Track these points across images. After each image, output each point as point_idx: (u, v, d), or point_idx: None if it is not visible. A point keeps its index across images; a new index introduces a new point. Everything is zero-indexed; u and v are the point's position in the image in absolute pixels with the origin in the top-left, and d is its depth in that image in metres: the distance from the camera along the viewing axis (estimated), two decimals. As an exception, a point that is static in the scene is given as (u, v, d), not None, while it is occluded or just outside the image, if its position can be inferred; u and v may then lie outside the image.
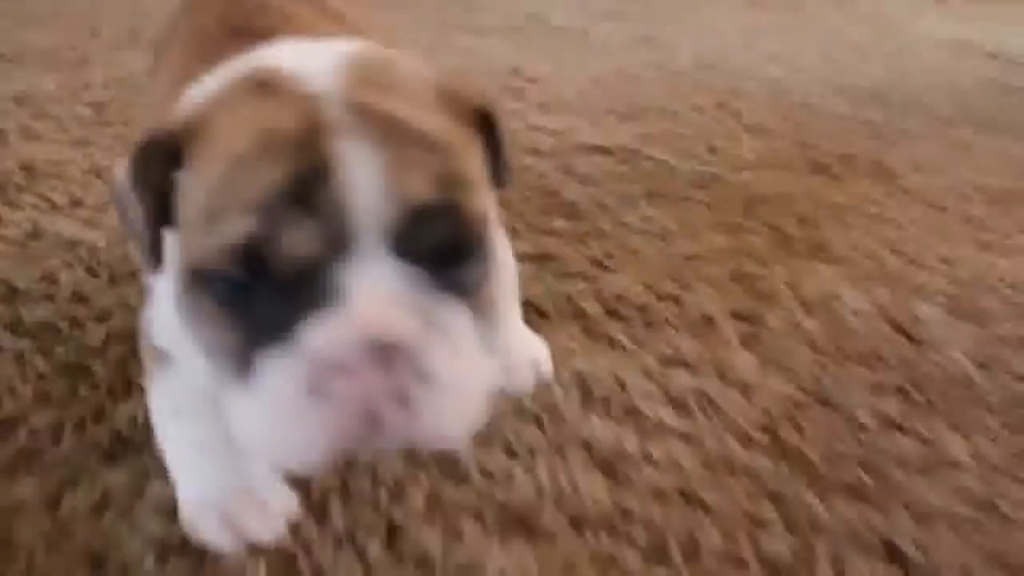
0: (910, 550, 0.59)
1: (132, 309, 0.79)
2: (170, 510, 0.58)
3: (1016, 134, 1.46)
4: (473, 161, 0.43)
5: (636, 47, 1.86)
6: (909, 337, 0.84)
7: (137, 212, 0.43)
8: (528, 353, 0.71)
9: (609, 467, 0.65)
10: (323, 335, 0.37)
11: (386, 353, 0.37)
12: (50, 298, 0.82)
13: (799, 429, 0.71)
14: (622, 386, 0.73)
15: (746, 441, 0.69)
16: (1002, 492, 0.65)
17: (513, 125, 1.17)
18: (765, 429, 0.70)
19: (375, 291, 0.37)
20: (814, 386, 0.76)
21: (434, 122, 0.41)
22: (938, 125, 1.48)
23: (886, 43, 2.08)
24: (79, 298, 0.82)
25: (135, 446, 0.64)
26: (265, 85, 0.41)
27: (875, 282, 0.93)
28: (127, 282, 0.84)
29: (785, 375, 0.77)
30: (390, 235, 0.38)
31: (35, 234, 0.93)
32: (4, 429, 0.65)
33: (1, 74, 1.40)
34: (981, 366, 0.80)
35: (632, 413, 0.71)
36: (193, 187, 0.41)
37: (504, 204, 0.68)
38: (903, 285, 0.93)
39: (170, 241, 0.44)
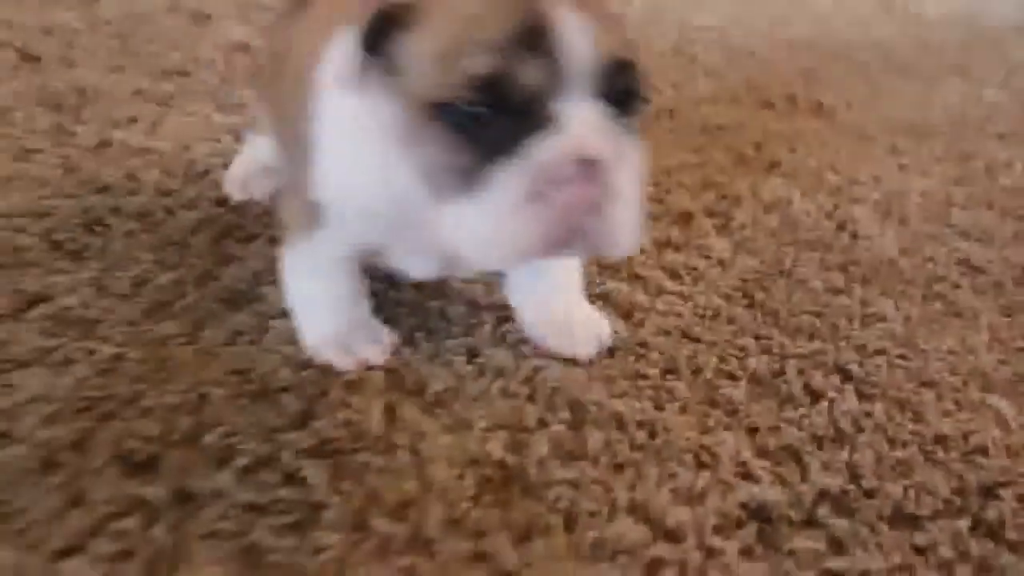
0: (857, 372, 0.79)
1: (211, 200, 0.94)
2: (293, 340, 0.74)
3: (929, 80, 1.69)
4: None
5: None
6: (848, 232, 1.04)
7: (362, 67, 0.55)
8: (593, 325, 0.77)
9: (627, 313, 0.84)
10: (547, 151, 0.49)
11: (592, 168, 0.49)
12: (135, 192, 0.95)
13: (767, 291, 0.90)
14: (628, 260, 0.91)
15: (727, 299, 0.88)
16: (918, 336, 0.85)
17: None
18: (742, 292, 0.89)
19: (585, 120, 0.50)
20: (776, 264, 0.95)
21: (612, 12, 0.55)
22: (864, 71, 1.70)
23: (820, 1, 2.30)
24: (162, 192, 0.96)
25: (249, 297, 0.80)
26: None
27: (819, 192, 1.13)
28: (200, 180, 0.98)
29: (753, 255, 0.96)
30: (593, 79, 0.50)
31: (104, 143, 1.05)
32: (135, 285, 0.80)
33: (19, 5, 1.48)
34: (903, 252, 1.01)
35: (638, 278, 0.89)
36: (424, 41, 0.53)
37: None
38: (842, 194, 1.14)
39: (371, 99, 0.56)
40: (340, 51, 0.60)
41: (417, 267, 0.70)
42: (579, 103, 0.50)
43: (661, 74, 1.50)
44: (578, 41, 0.49)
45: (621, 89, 0.52)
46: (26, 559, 0.53)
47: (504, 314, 0.80)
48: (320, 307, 0.72)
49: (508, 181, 0.50)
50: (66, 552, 0.53)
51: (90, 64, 1.28)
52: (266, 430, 0.64)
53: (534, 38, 0.49)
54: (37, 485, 0.58)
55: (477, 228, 0.52)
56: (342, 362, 0.71)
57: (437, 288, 0.82)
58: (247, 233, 0.89)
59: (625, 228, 0.53)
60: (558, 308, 0.75)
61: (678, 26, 1.85)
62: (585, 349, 0.75)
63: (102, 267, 0.81)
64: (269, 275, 0.81)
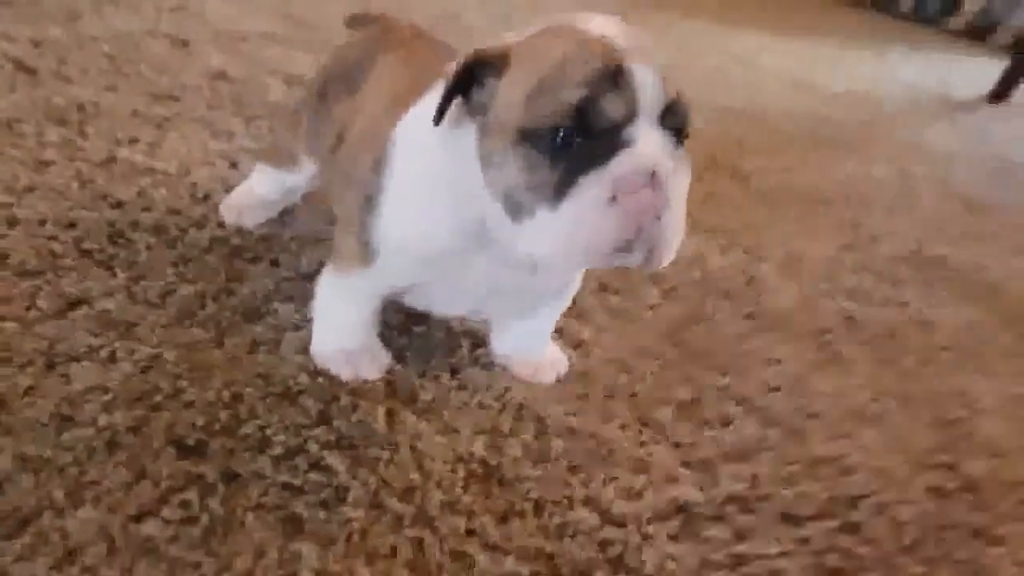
0: (759, 403, 0.98)
1: (216, 222, 1.07)
2: (305, 351, 0.88)
3: (830, 153, 1.94)
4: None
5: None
6: (755, 286, 1.24)
7: (440, 102, 0.66)
8: (555, 359, 0.95)
9: (576, 344, 1.01)
10: (625, 164, 0.60)
11: (657, 180, 0.60)
12: (148, 209, 1.07)
13: (690, 333, 1.08)
14: (575, 302, 1.08)
15: (657, 338, 1.06)
16: (807, 377, 1.05)
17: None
18: (669, 333, 1.08)
19: (651, 143, 0.61)
20: (697, 311, 1.14)
21: (668, 64, 0.65)
22: (777, 140, 1.93)
23: (739, 75, 2.55)
24: (172, 211, 1.08)
25: (263, 311, 0.93)
26: (561, 29, 0.64)
27: (733, 249, 1.34)
28: (204, 202, 1.11)
29: (678, 303, 1.15)
30: (657, 114, 0.62)
31: (111, 159, 1.16)
32: (162, 295, 0.92)
33: (7, 18, 1.56)
34: (799, 306, 1.22)
35: (585, 317, 1.07)
36: (518, 79, 0.63)
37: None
38: (751, 253, 1.34)
39: (459, 132, 0.69)
40: (420, 112, 0.74)
41: (445, 306, 0.86)
42: (648, 130, 0.61)
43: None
44: (650, 83, 0.61)
45: (676, 122, 0.64)
46: (107, 519, 0.66)
47: (477, 340, 0.96)
48: (341, 327, 0.86)
49: (591, 188, 0.60)
50: (139, 517, 0.66)
51: (84, 81, 1.38)
52: (294, 425, 0.78)
53: (615, 78, 0.60)
54: (105, 463, 0.70)
55: (560, 232, 0.62)
56: (344, 374, 0.86)
57: (421, 316, 0.97)
58: (253, 255, 1.03)
59: (675, 234, 0.63)
60: (530, 344, 0.92)
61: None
62: (548, 377, 0.92)
63: (130, 276, 0.93)
64: (278, 294, 0.95)
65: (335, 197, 0.92)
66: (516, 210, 0.65)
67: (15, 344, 0.80)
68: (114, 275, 0.93)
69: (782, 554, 0.77)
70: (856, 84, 2.76)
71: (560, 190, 0.61)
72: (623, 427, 0.89)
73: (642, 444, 0.87)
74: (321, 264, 0.90)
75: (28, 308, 0.85)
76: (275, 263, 1.02)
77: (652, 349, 1.03)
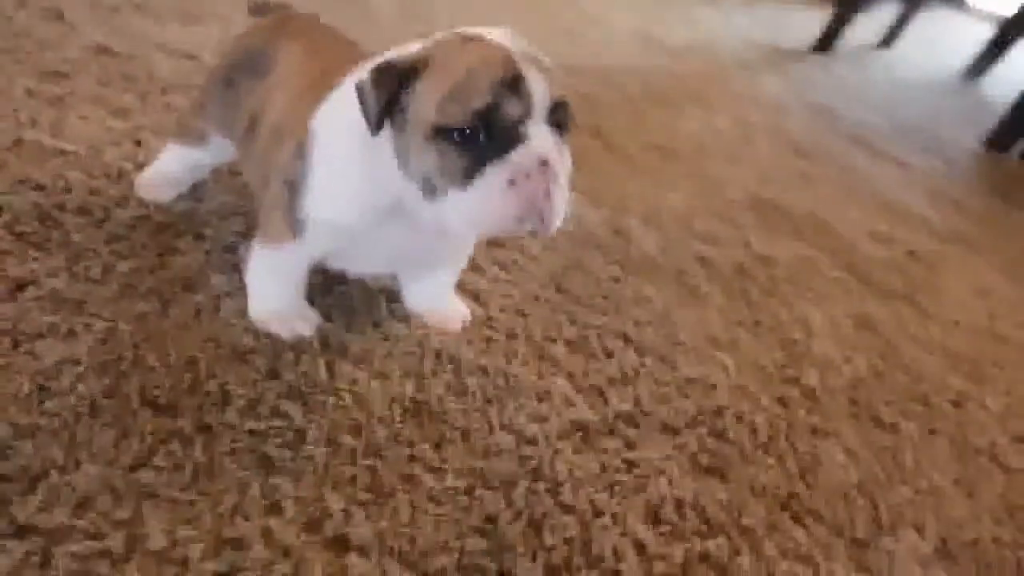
0: (634, 336, 1.17)
1: (137, 201, 1.15)
2: (244, 315, 0.99)
3: (675, 107, 2.15)
4: None
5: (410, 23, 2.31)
6: (622, 236, 1.43)
7: (372, 104, 0.77)
8: (457, 306, 1.10)
9: (475, 296, 1.16)
10: (522, 156, 0.73)
11: (547, 167, 0.73)
12: (68, 191, 1.14)
13: (569, 280, 1.26)
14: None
15: (542, 286, 1.23)
16: (672, 312, 1.25)
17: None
18: (552, 281, 1.25)
19: (542, 137, 0.74)
20: (574, 260, 1.32)
21: (553, 68, 0.78)
22: (627, 97, 2.12)
23: (591, 33, 2.72)
24: (92, 191, 1.15)
25: (198, 282, 1.04)
26: (467, 40, 0.77)
27: (601, 204, 1.52)
28: (120, 181, 1.19)
29: (557, 253, 1.32)
30: (546, 112, 0.75)
31: (19, 142, 1.21)
32: (103, 272, 1.01)
33: None
34: (660, 252, 1.41)
35: (479, 270, 1.22)
36: (432, 84, 0.75)
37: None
38: (616, 206, 1.53)
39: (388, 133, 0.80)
40: (336, 105, 0.87)
41: (362, 267, 1.00)
42: (539, 127, 0.75)
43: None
44: (540, 88, 0.75)
45: (560, 118, 0.78)
46: (107, 471, 0.77)
47: (391, 296, 1.10)
48: (274, 293, 0.98)
49: (495, 175, 0.74)
50: (134, 468, 0.78)
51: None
52: (249, 381, 0.90)
53: (514, 85, 0.74)
54: (92, 425, 0.81)
55: (470, 209, 0.76)
56: (284, 333, 0.98)
57: (340, 277, 1.09)
58: (176, 230, 1.12)
59: (561, 208, 0.77)
60: (437, 297, 1.07)
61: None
62: (455, 326, 1.07)
63: (67, 256, 1.01)
64: (208, 265, 1.05)
65: (254, 177, 1.02)
66: (431, 191, 0.79)
67: None
68: (52, 255, 1.01)
69: (665, 457, 0.96)
70: (697, 38, 2.99)
71: (468, 175, 0.75)
72: (525, 363, 1.05)
73: (542, 376, 1.03)
74: (240, 235, 1.01)
75: (-21, 292, 0.92)
76: (199, 236, 1.12)
77: (540, 295, 1.19)
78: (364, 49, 1.03)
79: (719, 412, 1.06)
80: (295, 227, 0.90)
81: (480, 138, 0.75)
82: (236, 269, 1.06)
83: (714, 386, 1.10)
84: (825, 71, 3.03)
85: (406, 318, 1.07)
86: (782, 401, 1.12)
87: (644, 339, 1.17)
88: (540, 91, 0.75)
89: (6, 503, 0.71)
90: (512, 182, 0.74)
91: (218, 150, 1.14)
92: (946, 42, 4.43)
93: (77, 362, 0.87)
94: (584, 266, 1.30)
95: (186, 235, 1.11)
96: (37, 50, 1.49)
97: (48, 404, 0.81)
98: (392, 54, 0.82)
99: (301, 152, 0.88)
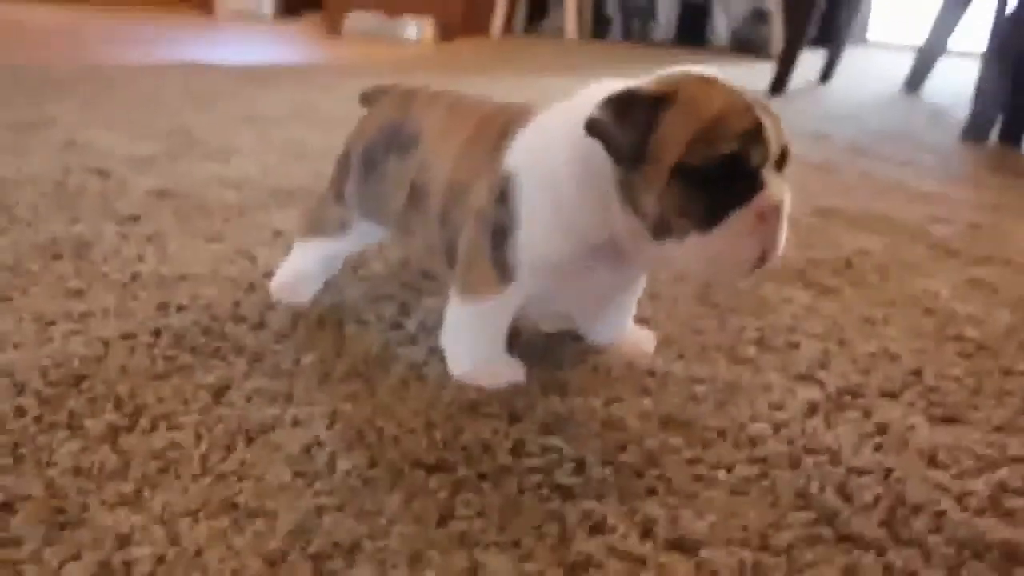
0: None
1: (283, 303, 1.12)
2: (448, 378, 0.96)
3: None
4: None
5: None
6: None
7: (621, 136, 0.75)
8: (643, 332, 1.07)
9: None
10: (763, 201, 0.74)
11: (781, 210, 0.75)
12: (211, 306, 1.10)
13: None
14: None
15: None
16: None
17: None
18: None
19: (776, 183, 0.75)
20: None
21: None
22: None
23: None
24: (235, 303, 1.11)
25: (389, 360, 1.00)
26: (708, 81, 0.77)
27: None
28: (254, 291, 1.15)
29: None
30: (778, 159, 0.77)
31: (136, 276, 1.18)
32: (293, 366, 0.97)
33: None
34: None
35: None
36: (678, 124, 0.74)
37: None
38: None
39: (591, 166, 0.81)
40: (533, 144, 0.87)
41: (559, 307, 0.99)
42: (772, 172, 0.77)
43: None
44: (775, 137, 0.76)
45: (783, 162, 0.80)
46: (419, 529, 0.71)
47: (573, 336, 1.07)
48: (479, 346, 0.94)
49: (740, 220, 0.75)
50: (441, 522, 0.72)
51: (49, 218, 1.36)
52: (498, 428, 0.86)
53: (758, 133, 0.75)
54: (374, 495, 0.75)
55: (712, 253, 0.76)
56: (495, 383, 0.93)
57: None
58: (337, 320, 1.08)
59: (780, 252, 0.80)
60: (620, 328, 1.06)
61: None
62: (647, 350, 1.06)
63: (249, 359, 0.97)
64: (389, 343, 1.02)
65: (429, 242, 1.00)
66: (664, 231, 0.78)
67: (221, 426, 0.83)
68: (233, 362, 0.96)
69: (905, 416, 0.93)
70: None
71: (710, 219, 0.75)
72: (728, 366, 1.03)
73: (754, 373, 1.01)
74: (402, 314, 1.03)
75: (185, 402, 0.87)
76: (361, 322, 1.08)
77: (693, 311, 1.18)
78: (495, 100, 1.05)
79: (918, 373, 1.05)
80: (506, 272, 0.89)
81: (724, 182, 0.75)
82: (415, 342, 1.03)
83: (896, 356, 1.09)
84: (792, 106, 3.18)
85: (597, 350, 1.04)
86: (962, 354, 1.11)
87: (812, 329, 1.15)
88: (775, 139, 0.77)
89: (333, 573, 0.65)
90: (755, 227, 0.75)
91: (360, 236, 1.12)
92: (870, 70, 4.70)
93: (321, 444, 0.82)
94: (714, 282, 1.29)
95: (348, 323, 1.08)
96: (102, 202, 1.47)
97: (317, 485, 0.76)
98: (596, 90, 0.83)
99: (503, 196, 0.88)
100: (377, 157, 1.06)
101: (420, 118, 1.03)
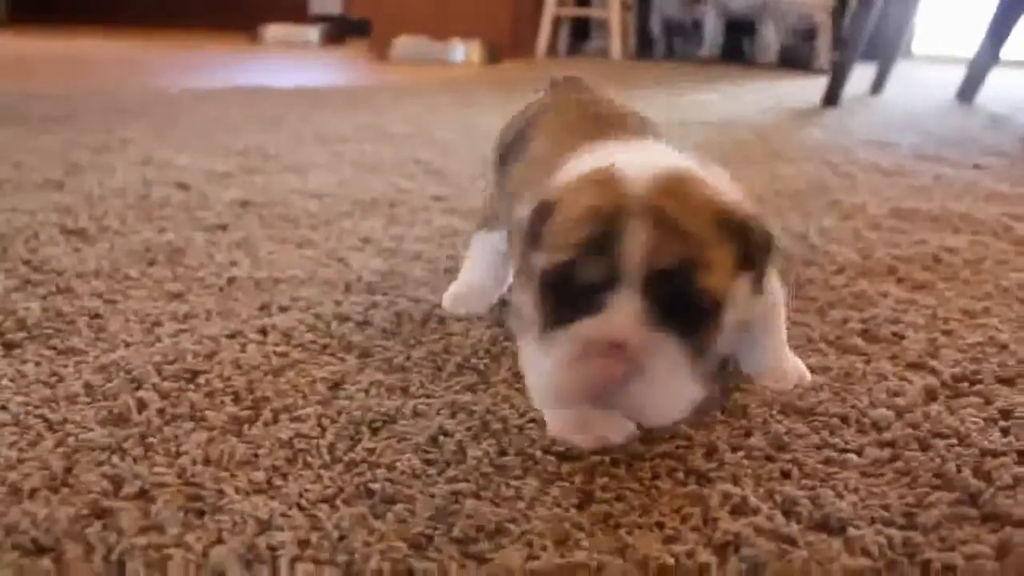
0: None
1: (387, 301, 1.12)
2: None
3: (767, 165, 2.18)
4: (718, 255, 0.65)
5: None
6: (822, 250, 1.41)
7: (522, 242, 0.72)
8: (792, 365, 0.92)
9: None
10: (588, 328, 0.63)
11: (622, 349, 0.61)
12: (312, 307, 1.11)
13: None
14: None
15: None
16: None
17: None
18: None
19: (624, 313, 0.62)
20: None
21: (693, 224, 0.64)
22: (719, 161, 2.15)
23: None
24: (336, 302, 1.12)
25: (499, 353, 0.99)
26: (598, 181, 0.68)
27: (792, 240, 1.51)
28: (349, 291, 1.15)
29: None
30: (643, 281, 0.62)
31: (233, 280, 1.19)
32: (405, 360, 0.96)
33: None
34: (865, 256, 1.39)
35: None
36: (551, 232, 0.68)
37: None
38: (803, 231, 1.52)
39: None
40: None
41: None
42: (628, 298, 0.63)
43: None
44: (636, 250, 0.62)
45: (666, 295, 0.63)
46: (560, 513, 0.70)
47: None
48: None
49: (561, 344, 0.65)
50: (582, 505, 0.71)
51: (147, 228, 1.38)
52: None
53: (601, 243, 0.63)
54: (507, 481, 0.74)
55: (540, 371, 0.69)
56: (584, 442, 0.76)
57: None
58: (440, 318, 1.08)
59: (660, 401, 0.66)
60: (773, 358, 0.94)
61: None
62: (789, 383, 0.92)
63: (359, 354, 0.97)
64: (498, 336, 1.01)
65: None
66: (521, 326, 0.75)
67: (344, 417, 0.83)
68: (344, 357, 0.97)
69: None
70: (721, 113, 3.09)
71: (544, 329, 0.68)
72: (839, 358, 1.01)
73: (867, 363, 0.99)
74: (504, 315, 0.96)
75: (304, 395, 0.87)
76: (465, 320, 1.08)
77: (791, 306, 1.15)
78: (628, 117, 0.99)
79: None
80: (519, 329, 0.81)
81: (562, 295, 0.66)
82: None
83: (1005, 345, 1.06)
84: (850, 117, 3.14)
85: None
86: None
87: (915, 321, 1.13)
88: (637, 255, 0.62)
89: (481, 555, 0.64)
90: (577, 357, 0.63)
91: None
92: (919, 82, 4.66)
93: (448, 434, 0.81)
94: (810, 279, 1.28)
95: (451, 321, 1.07)
96: (185, 212, 1.49)
97: (449, 472, 0.75)
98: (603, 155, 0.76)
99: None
100: (507, 156, 1.04)
101: (535, 126, 1.01)
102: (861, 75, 4.04)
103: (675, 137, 2.49)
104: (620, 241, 0.63)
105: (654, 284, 0.63)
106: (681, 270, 0.64)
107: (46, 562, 0.63)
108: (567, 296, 0.65)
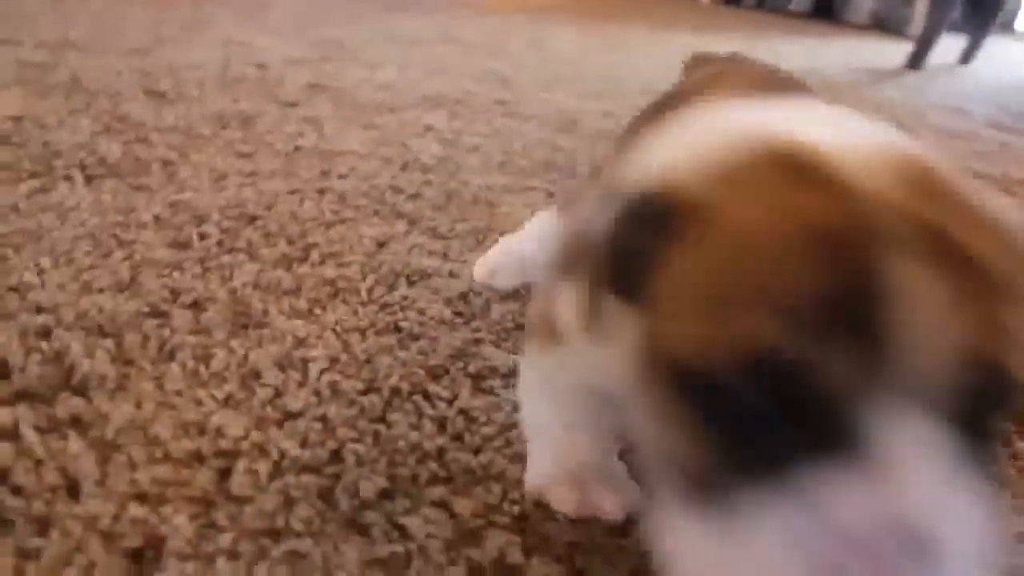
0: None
1: (440, 180, 1.17)
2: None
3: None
4: None
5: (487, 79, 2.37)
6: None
7: (591, 262, 0.38)
8: None
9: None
10: (847, 500, 0.28)
11: (919, 548, 0.27)
12: (371, 177, 1.17)
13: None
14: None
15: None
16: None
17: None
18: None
19: (921, 460, 0.28)
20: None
21: (996, 260, 0.31)
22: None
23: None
24: (393, 176, 1.18)
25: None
26: (792, 166, 0.33)
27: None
28: (407, 169, 1.21)
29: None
30: (939, 386, 0.29)
31: (299, 149, 1.25)
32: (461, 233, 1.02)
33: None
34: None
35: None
36: (689, 264, 0.33)
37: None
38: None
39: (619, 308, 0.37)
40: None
41: None
42: (910, 424, 0.29)
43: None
44: (925, 325, 0.29)
45: (977, 402, 0.30)
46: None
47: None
48: (553, 429, 0.58)
49: (772, 523, 0.30)
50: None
51: (222, 97, 1.45)
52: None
53: (850, 307, 0.29)
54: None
55: (709, 565, 0.32)
56: (564, 504, 0.56)
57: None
58: (488, 199, 1.13)
59: None
60: None
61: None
62: None
63: (408, 220, 1.03)
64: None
65: None
66: (658, 471, 0.36)
67: (385, 267, 0.88)
68: (392, 223, 1.02)
69: None
70: (799, 65, 3.05)
71: (713, 484, 0.32)
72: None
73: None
74: (544, 202, 1.00)
75: (351, 247, 0.94)
76: (510, 204, 1.13)
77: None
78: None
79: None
80: (550, 333, 0.57)
81: (754, 412, 0.31)
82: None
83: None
84: (930, 82, 3.08)
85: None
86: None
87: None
88: (931, 334, 0.29)
89: (491, 389, 0.70)
90: (817, 565, 0.29)
91: None
92: (1014, 58, 4.51)
93: (477, 293, 0.87)
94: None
95: (499, 204, 1.12)
96: (260, 88, 1.55)
97: (474, 323, 0.82)
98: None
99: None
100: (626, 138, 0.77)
101: (673, 94, 0.74)
102: (955, 46, 3.93)
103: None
104: (883, 301, 0.29)
105: (962, 390, 0.30)
106: (1002, 367, 0.30)
107: (108, 343, 0.70)
108: (758, 415, 0.30)
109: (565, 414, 0.56)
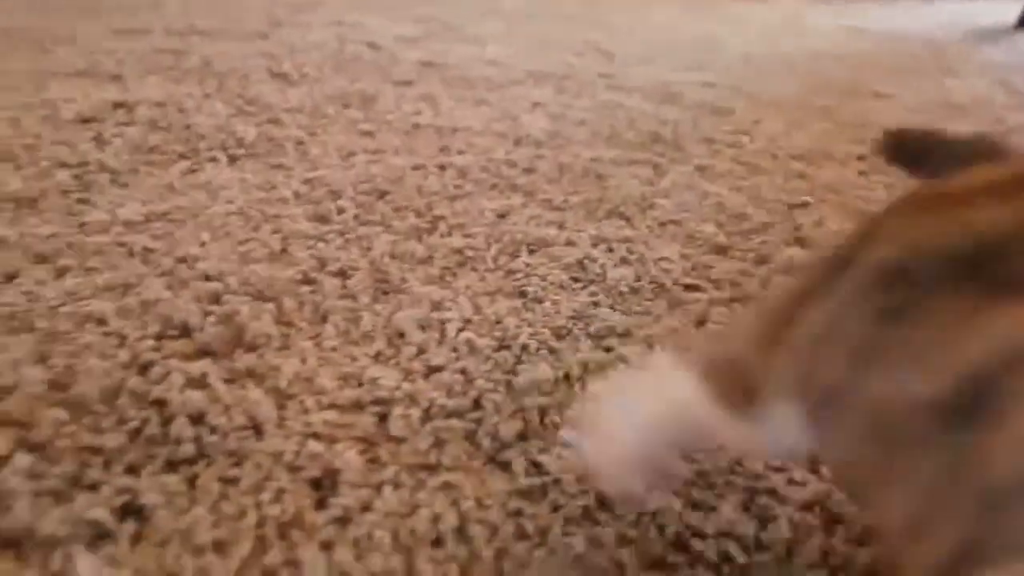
0: None
1: (571, 153, 1.23)
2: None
3: (936, 79, 2.12)
4: None
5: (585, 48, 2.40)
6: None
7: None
8: None
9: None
10: None
11: None
12: (486, 153, 1.24)
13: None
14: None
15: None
16: None
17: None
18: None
19: None
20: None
21: None
22: (896, 70, 2.12)
23: (798, 32, 2.74)
24: (507, 152, 1.24)
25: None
26: None
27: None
28: (521, 144, 1.28)
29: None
30: None
31: (417, 127, 1.33)
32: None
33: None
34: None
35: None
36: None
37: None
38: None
39: None
40: None
41: None
42: None
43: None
44: None
45: None
46: None
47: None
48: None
49: None
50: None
51: (341, 78, 1.54)
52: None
53: None
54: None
55: None
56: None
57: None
58: (598, 172, 1.19)
59: None
60: None
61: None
62: None
63: (531, 197, 1.09)
64: (643, 198, 1.11)
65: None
66: None
67: (507, 237, 0.95)
68: (509, 196, 1.09)
69: None
70: (892, 28, 2.98)
71: None
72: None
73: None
74: (655, 176, 1.05)
75: (474, 218, 1.01)
76: (620, 177, 1.19)
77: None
78: None
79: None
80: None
81: None
82: (668, 196, 1.11)
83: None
84: (1043, 41, 2.96)
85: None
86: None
87: None
88: None
89: (611, 348, 0.77)
90: None
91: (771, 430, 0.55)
92: None
93: (593, 260, 0.93)
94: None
95: (606, 176, 1.18)
96: (375, 67, 1.64)
97: (592, 288, 0.88)
98: None
99: None
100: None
101: None
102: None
103: (839, 43, 2.45)
104: None
105: None
106: None
107: (270, 306, 0.79)
108: None
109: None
